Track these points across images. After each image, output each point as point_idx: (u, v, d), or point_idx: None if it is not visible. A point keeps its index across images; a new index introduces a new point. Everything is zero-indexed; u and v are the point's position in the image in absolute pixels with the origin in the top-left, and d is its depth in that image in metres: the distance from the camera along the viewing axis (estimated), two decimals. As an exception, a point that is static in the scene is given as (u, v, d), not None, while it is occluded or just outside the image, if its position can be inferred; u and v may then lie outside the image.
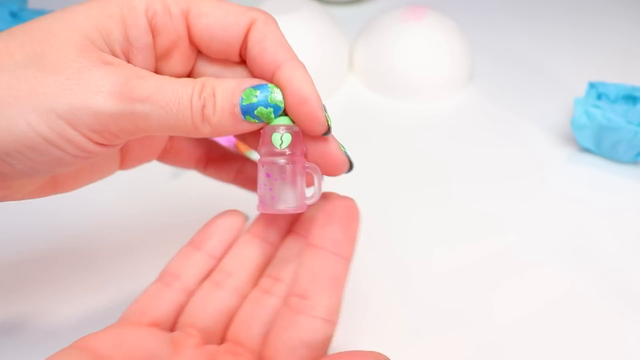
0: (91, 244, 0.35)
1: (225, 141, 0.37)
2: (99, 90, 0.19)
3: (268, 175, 0.22)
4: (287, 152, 0.21)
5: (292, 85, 0.20)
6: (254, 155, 0.27)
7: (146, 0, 0.20)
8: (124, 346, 0.21)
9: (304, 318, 0.21)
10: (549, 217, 0.38)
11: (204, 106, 0.20)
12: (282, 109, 0.21)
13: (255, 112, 0.20)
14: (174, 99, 0.19)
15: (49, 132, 0.18)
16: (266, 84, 0.21)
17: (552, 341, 0.31)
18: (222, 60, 0.23)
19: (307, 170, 0.22)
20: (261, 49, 0.21)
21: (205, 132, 0.20)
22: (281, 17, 0.46)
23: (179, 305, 0.23)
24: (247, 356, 0.22)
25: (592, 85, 0.43)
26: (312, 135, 0.22)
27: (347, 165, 0.23)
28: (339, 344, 0.26)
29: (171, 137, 0.27)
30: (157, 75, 0.20)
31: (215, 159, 0.27)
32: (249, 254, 0.24)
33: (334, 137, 0.22)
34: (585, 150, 0.43)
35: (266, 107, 0.20)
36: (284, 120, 0.21)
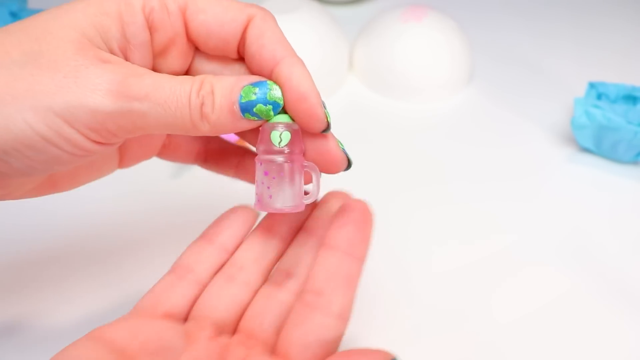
0: (91, 243, 0.35)
1: (227, 136, 0.37)
2: (97, 88, 0.19)
3: (266, 174, 0.22)
4: (286, 150, 0.21)
5: (291, 82, 0.20)
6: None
7: None
8: (139, 337, 0.21)
9: (318, 315, 0.21)
10: (549, 217, 0.38)
11: (202, 104, 0.20)
12: (281, 106, 0.21)
13: (254, 109, 0.20)
14: (172, 96, 0.19)
15: (47, 130, 0.18)
16: (265, 81, 0.21)
17: (552, 341, 0.31)
18: (220, 57, 0.23)
19: (305, 169, 0.22)
20: (259, 46, 0.21)
21: (204, 130, 0.20)
22: (281, 17, 0.46)
23: (192, 297, 0.24)
24: (260, 348, 0.22)
25: (592, 85, 0.43)
26: (311, 132, 0.22)
27: (345, 163, 0.23)
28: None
29: (169, 134, 0.27)
30: (155, 73, 0.20)
31: (214, 152, 0.27)
32: (260, 248, 0.25)
33: (332, 135, 0.22)
34: (585, 150, 0.43)
35: (265, 104, 0.20)
36: (283, 118, 0.21)
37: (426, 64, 0.47)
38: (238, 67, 0.23)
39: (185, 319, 0.23)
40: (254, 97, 0.20)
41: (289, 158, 0.21)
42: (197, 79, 0.20)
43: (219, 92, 0.20)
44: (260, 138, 0.22)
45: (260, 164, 0.22)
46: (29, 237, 0.36)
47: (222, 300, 0.23)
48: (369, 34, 0.49)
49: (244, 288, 0.24)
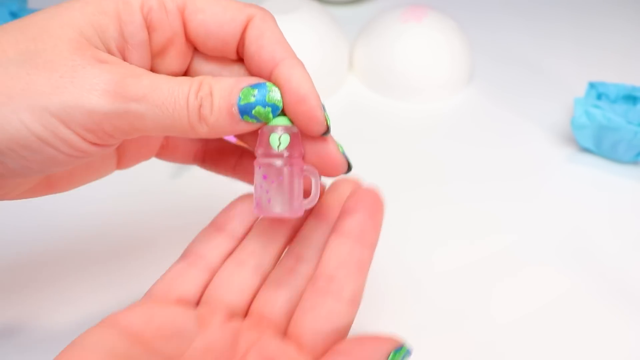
0: (92, 244, 0.35)
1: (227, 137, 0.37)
2: (93, 88, 0.18)
3: (265, 178, 0.21)
4: (285, 154, 0.21)
5: (290, 84, 0.20)
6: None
7: None
8: (153, 322, 0.21)
9: (330, 300, 0.21)
10: (549, 217, 0.38)
11: (200, 106, 0.20)
12: (281, 108, 0.21)
13: (253, 111, 0.20)
14: (170, 98, 0.19)
15: (43, 130, 0.18)
16: (264, 83, 0.20)
17: (552, 341, 0.31)
18: (219, 57, 0.22)
19: (304, 173, 0.22)
20: (259, 47, 0.21)
21: (202, 132, 0.20)
22: (281, 17, 0.46)
23: (204, 283, 0.24)
24: (271, 332, 0.22)
25: (592, 85, 0.43)
26: (310, 135, 0.21)
27: (345, 166, 0.23)
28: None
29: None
30: (153, 73, 0.20)
31: (212, 153, 0.27)
32: (270, 234, 0.25)
33: (332, 138, 0.22)
34: (585, 150, 0.43)
35: (264, 106, 0.20)
36: (282, 121, 0.21)
37: (426, 64, 0.47)
38: (237, 68, 0.22)
39: (197, 304, 0.24)
40: (252, 100, 0.20)
41: (288, 162, 0.21)
42: (195, 80, 0.20)
43: (218, 94, 0.20)
44: (259, 141, 0.21)
45: (259, 168, 0.21)
46: (30, 238, 0.36)
47: (233, 285, 0.24)
48: (369, 34, 0.49)
49: (255, 272, 0.24)
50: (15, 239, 0.35)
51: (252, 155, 0.26)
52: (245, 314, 0.24)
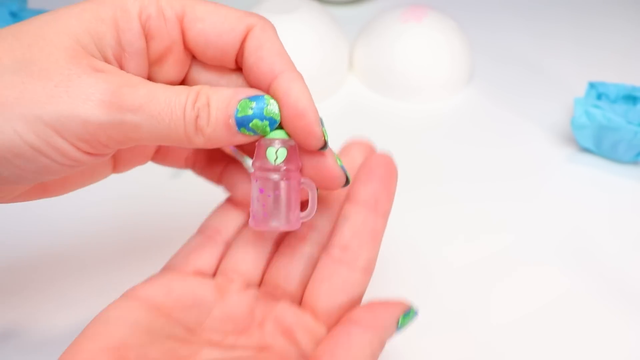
0: (91, 246, 0.35)
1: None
2: (89, 98, 0.18)
3: (261, 191, 0.21)
4: (282, 167, 0.21)
5: (288, 98, 0.20)
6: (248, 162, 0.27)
7: (140, 3, 0.20)
8: (173, 293, 0.22)
9: (345, 270, 0.22)
10: (549, 217, 0.38)
11: (197, 116, 0.19)
12: (278, 122, 0.20)
13: (250, 124, 0.20)
14: (167, 108, 0.19)
15: (36, 139, 0.18)
16: (262, 96, 0.20)
17: (552, 341, 0.31)
18: (217, 66, 0.22)
19: (301, 186, 0.22)
20: (258, 58, 0.20)
21: (198, 143, 0.20)
22: (281, 17, 0.46)
23: (220, 255, 0.24)
24: (287, 300, 0.23)
25: (592, 85, 0.43)
26: (308, 149, 0.21)
27: (343, 180, 0.22)
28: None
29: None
30: (150, 82, 0.20)
31: (202, 159, 0.27)
32: None
33: (331, 151, 0.22)
34: (585, 150, 0.43)
35: (262, 119, 0.20)
36: (279, 134, 0.21)
37: (426, 64, 0.47)
38: (235, 78, 0.22)
39: (214, 275, 0.24)
40: (250, 112, 0.20)
41: (285, 176, 0.21)
42: (192, 90, 0.20)
43: (215, 105, 0.20)
44: (256, 154, 0.21)
45: (256, 181, 0.21)
46: (29, 240, 0.35)
47: (249, 255, 0.24)
48: (369, 34, 0.49)
49: (269, 241, 0.25)
50: (15, 242, 0.35)
51: (238, 166, 0.26)
52: (260, 281, 0.24)
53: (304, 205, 0.23)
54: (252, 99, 0.20)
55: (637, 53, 0.55)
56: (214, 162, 0.26)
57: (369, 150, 0.26)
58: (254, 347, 0.22)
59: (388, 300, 0.21)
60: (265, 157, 0.21)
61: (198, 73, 0.22)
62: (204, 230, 0.25)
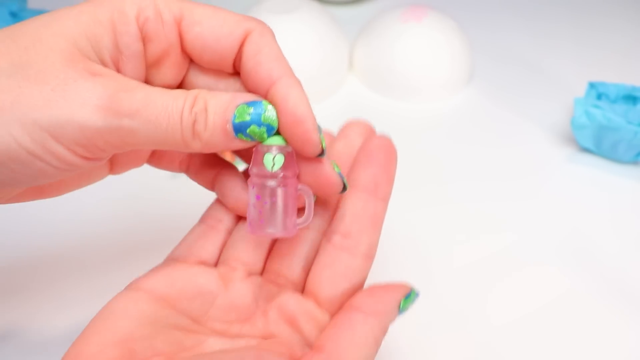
0: (90, 247, 0.35)
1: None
2: (85, 103, 0.18)
3: (258, 198, 0.21)
4: (279, 174, 0.21)
5: (286, 104, 0.20)
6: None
7: (137, 5, 0.20)
8: (176, 285, 0.22)
9: (346, 256, 0.22)
10: (549, 217, 0.38)
11: (195, 121, 0.19)
12: (276, 128, 0.20)
13: (248, 130, 0.20)
14: (164, 113, 0.19)
15: (32, 144, 0.18)
16: (260, 101, 0.20)
17: (552, 341, 0.31)
18: (215, 70, 0.22)
19: (299, 192, 0.22)
20: (256, 63, 0.20)
21: (195, 147, 0.20)
22: (281, 17, 0.46)
23: (222, 244, 0.24)
24: (290, 287, 0.23)
25: (592, 85, 0.43)
26: (305, 156, 0.21)
27: (340, 186, 0.22)
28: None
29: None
30: (147, 86, 0.19)
31: (195, 163, 0.26)
32: None
33: (327, 158, 0.22)
34: (585, 150, 0.43)
35: (259, 125, 0.20)
36: (277, 140, 0.20)
37: (426, 64, 0.47)
38: (233, 82, 0.22)
39: (216, 264, 0.24)
40: (248, 118, 0.20)
41: (282, 182, 0.21)
42: (190, 94, 0.20)
43: (213, 110, 0.19)
44: (253, 160, 0.21)
45: (253, 188, 0.21)
46: (28, 241, 0.35)
47: (251, 243, 0.24)
48: (369, 34, 0.49)
49: None
50: (15, 242, 0.35)
51: (231, 172, 0.25)
52: (262, 269, 0.24)
53: (300, 211, 0.23)
54: (250, 104, 0.20)
55: (637, 53, 0.55)
56: (208, 167, 0.26)
57: (368, 132, 0.26)
58: (258, 336, 0.22)
59: (389, 284, 0.22)
60: (262, 163, 0.21)
61: (195, 77, 0.22)
62: (206, 219, 0.25)
